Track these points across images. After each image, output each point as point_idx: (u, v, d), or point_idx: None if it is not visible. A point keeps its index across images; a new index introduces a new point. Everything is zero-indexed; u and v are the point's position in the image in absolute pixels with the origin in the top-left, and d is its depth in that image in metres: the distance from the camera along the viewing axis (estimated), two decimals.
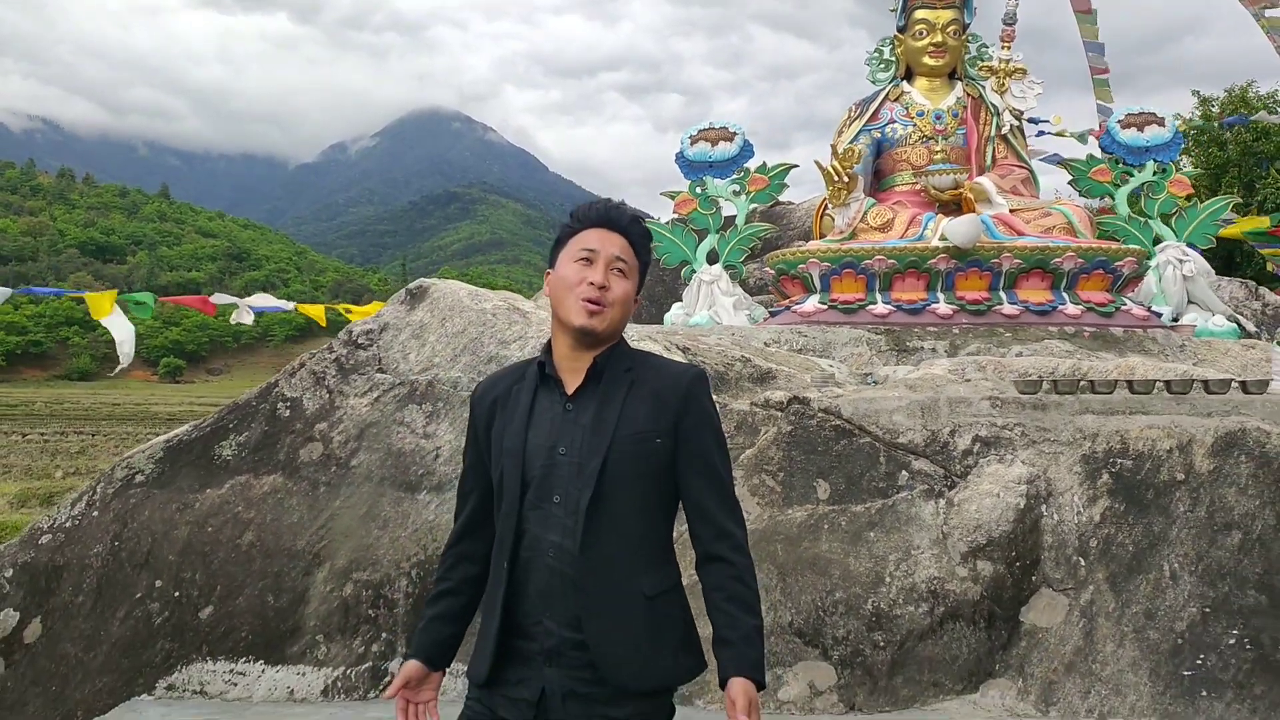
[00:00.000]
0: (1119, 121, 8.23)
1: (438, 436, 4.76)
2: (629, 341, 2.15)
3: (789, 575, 4.22)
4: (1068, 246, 7.09)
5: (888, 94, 8.38)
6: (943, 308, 7.07)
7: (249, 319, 10.39)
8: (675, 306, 7.94)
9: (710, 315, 7.57)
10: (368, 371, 5.02)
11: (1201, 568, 4.13)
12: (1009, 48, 7.89)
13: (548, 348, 2.12)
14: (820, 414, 4.67)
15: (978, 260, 7.09)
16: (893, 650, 4.07)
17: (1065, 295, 7.10)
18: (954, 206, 7.71)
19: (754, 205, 8.16)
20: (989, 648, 4.12)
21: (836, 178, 7.41)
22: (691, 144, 8.20)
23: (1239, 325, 7.68)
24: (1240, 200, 13.79)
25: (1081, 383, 4.88)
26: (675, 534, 2.11)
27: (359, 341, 5.13)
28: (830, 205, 7.75)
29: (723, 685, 1.96)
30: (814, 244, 7.68)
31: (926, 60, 8.21)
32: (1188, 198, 8.10)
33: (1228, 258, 16.50)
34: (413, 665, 2.14)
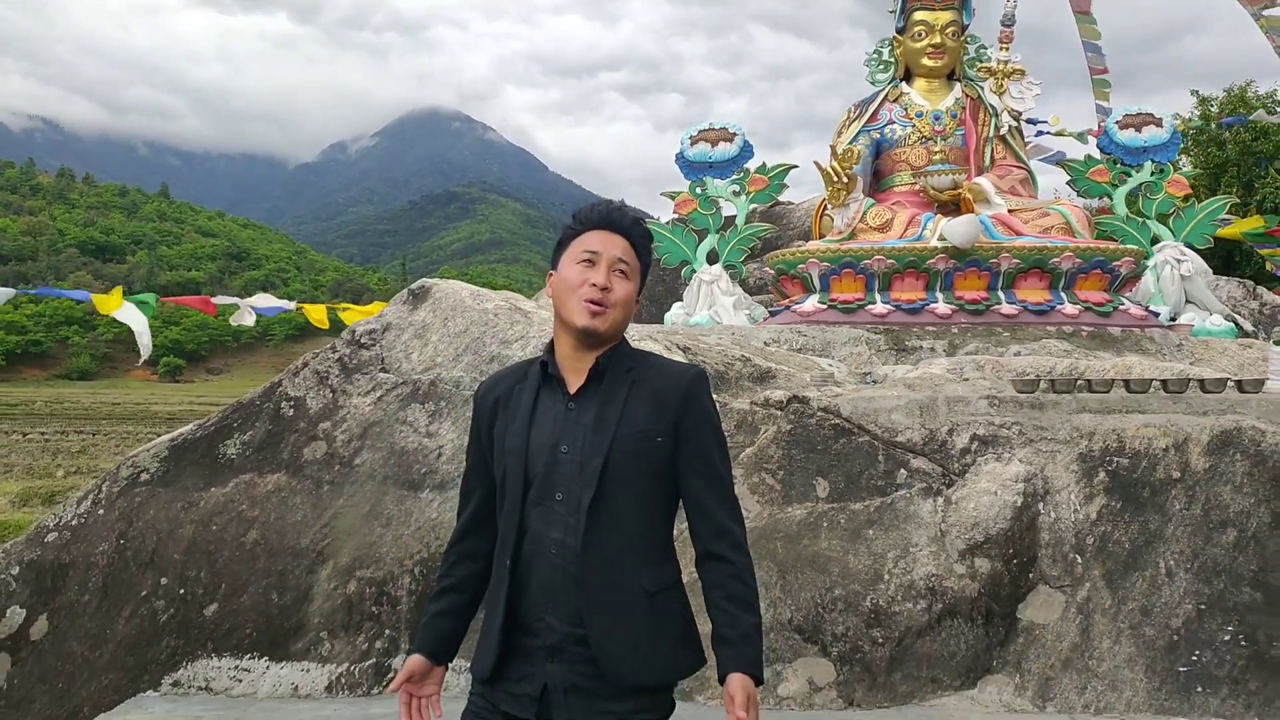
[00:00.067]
0: (1117, 122, 8.27)
1: (440, 435, 4.79)
2: (630, 341, 2.18)
3: (789, 573, 4.26)
4: (1065, 246, 7.13)
5: (887, 95, 8.41)
6: (941, 307, 7.11)
7: (250, 320, 10.38)
8: (675, 306, 7.98)
9: (710, 315, 7.61)
10: (371, 371, 5.05)
11: (1197, 565, 4.17)
12: (1007, 49, 7.92)
13: (550, 347, 2.15)
14: (820, 413, 4.71)
15: (976, 260, 7.13)
16: (891, 647, 4.11)
17: (1063, 295, 7.14)
18: (953, 207, 7.74)
19: (754, 205, 8.21)
20: (986, 644, 4.15)
21: (836, 178, 7.45)
22: (691, 144, 8.25)
23: (1236, 324, 7.72)
24: (1238, 200, 13.82)
25: (1079, 382, 4.92)
26: (675, 532, 2.14)
27: (362, 341, 5.17)
28: (830, 205, 7.79)
29: (722, 681, 1.99)
30: (813, 244, 7.72)
31: (925, 61, 8.25)
32: (1185, 198, 8.14)
33: (1227, 257, 16.51)
34: (416, 660, 2.16)
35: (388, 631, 4.37)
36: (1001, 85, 7.93)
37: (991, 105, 8.08)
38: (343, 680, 4.30)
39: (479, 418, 2.19)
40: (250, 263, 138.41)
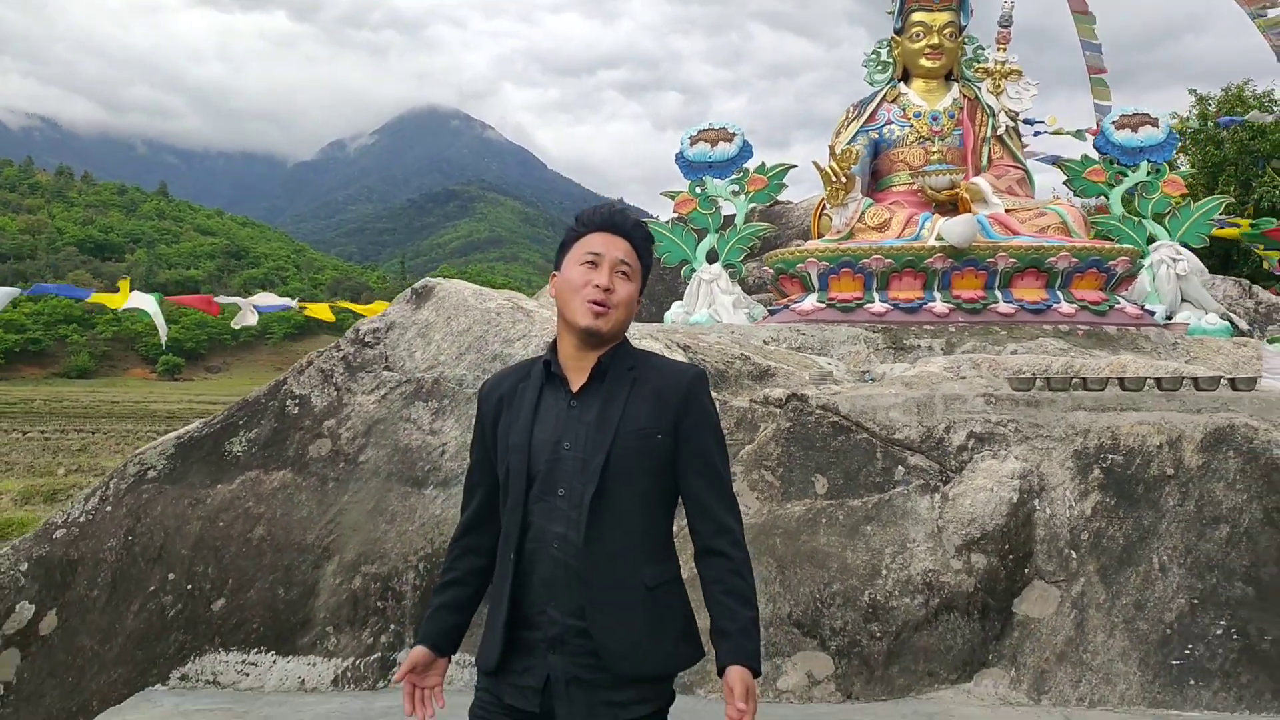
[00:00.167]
0: (1113, 123, 8.32)
1: (444, 433, 4.85)
2: (631, 340, 2.22)
3: (788, 568, 4.31)
4: (1062, 246, 7.18)
5: (885, 95, 8.46)
6: (939, 306, 7.16)
7: (252, 321, 10.38)
8: (675, 305, 8.03)
9: (710, 314, 7.66)
10: (375, 369, 5.11)
11: (1190, 560, 4.22)
12: (1005, 49, 7.97)
13: (553, 346, 2.19)
14: (818, 411, 4.77)
15: (974, 259, 7.18)
16: (889, 641, 4.17)
17: (1059, 294, 7.19)
18: (950, 206, 7.79)
19: (753, 205, 8.25)
20: (982, 638, 4.21)
21: (834, 178, 7.50)
22: (691, 145, 8.30)
23: (1231, 323, 7.78)
24: (1234, 200, 13.88)
25: (1074, 380, 4.98)
26: (675, 528, 2.19)
27: (366, 340, 5.22)
28: (828, 205, 7.84)
29: (721, 674, 2.03)
30: (812, 243, 7.77)
31: (923, 62, 8.30)
32: (1181, 197, 8.20)
33: (1225, 256, 16.57)
34: (419, 651, 2.20)
35: (392, 626, 4.42)
36: (999, 86, 7.98)
37: (989, 105, 8.13)
38: (348, 674, 4.36)
39: (483, 415, 2.22)
40: (249, 261, 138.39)
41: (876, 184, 8.41)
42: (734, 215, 8.21)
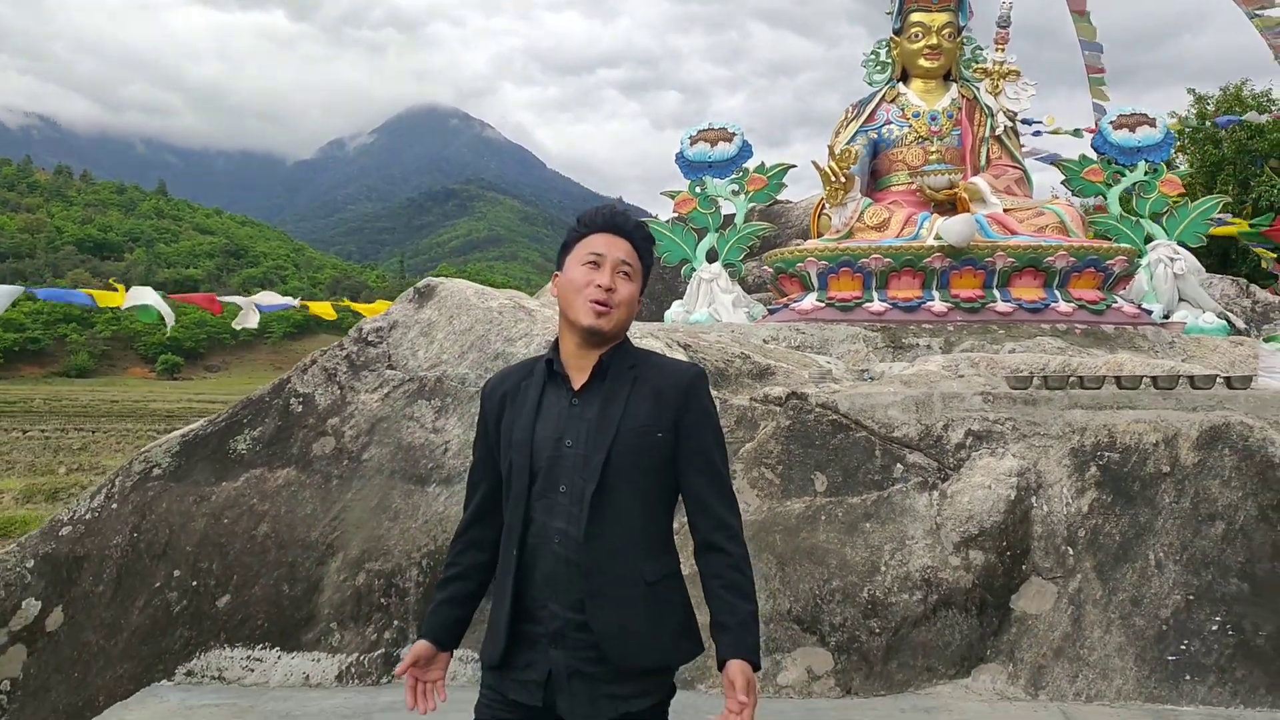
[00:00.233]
0: (1111, 122, 8.36)
1: (446, 431, 4.88)
2: (632, 340, 2.26)
3: (787, 565, 4.36)
4: (1060, 245, 7.22)
5: (884, 95, 8.50)
6: (938, 305, 7.20)
7: (254, 321, 10.35)
8: (675, 304, 8.07)
9: (710, 313, 7.70)
10: (378, 368, 5.14)
11: (1186, 557, 4.26)
12: (1003, 50, 8.01)
13: (555, 345, 2.22)
14: (818, 409, 4.81)
15: (972, 259, 7.22)
16: (887, 636, 4.21)
17: (1057, 293, 7.23)
18: (949, 206, 7.83)
19: (752, 204, 8.29)
20: (980, 634, 4.25)
21: (833, 178, 7.53)
22: (691, 144, 8.34)
23: (1229, 322, 7.82)
24: (1231, 199, 13.92)
25: (1071, 379, 5.01)
26: (675, 525, 2.22)
27: (369, 339, 5.26)
28: (827, 205, 7.88)
29: (721, 668, 2.06)
30: (812, 243, 7.81)
31: (922, 62, 8.34)
32: (1179, 196, 8.24)
33: (1223, 255, 16.61)
34: (422, 645, 2.23)
35: (396, 622, 4.47)
36: (997, 86, 8.02)
37: (987, 105, 8.17)
38: (352, 670, 4.40)
39: (486, 412, 2.26)
40: (248, 260, 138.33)
41: (875, 184, 8.45)
42: (734, 215, 8.24)
